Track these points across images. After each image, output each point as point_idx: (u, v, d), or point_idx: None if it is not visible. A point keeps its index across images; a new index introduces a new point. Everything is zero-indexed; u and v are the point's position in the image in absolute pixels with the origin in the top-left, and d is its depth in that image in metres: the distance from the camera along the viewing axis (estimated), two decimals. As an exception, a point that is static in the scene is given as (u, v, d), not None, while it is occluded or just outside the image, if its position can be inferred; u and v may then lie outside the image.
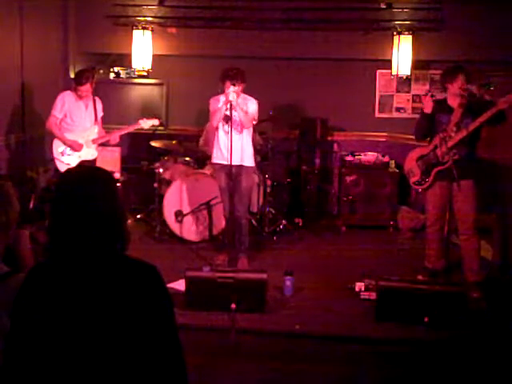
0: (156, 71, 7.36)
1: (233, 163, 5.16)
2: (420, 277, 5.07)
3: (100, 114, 5.92)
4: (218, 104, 5.25)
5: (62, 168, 5.71)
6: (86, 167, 1.88)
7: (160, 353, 1.66)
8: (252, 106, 5.32)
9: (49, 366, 1.62)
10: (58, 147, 5.71)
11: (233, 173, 5.23)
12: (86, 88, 5.64)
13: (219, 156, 5.34)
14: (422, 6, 7.14)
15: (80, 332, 1.62)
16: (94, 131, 5.86)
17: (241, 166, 5.29)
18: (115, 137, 5.92)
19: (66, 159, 5.71)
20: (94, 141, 5.84)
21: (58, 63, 7.10)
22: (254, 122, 5.40)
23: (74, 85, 5.71)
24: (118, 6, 7.14)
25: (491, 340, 3.96)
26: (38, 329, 1.63)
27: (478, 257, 4.88)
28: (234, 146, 5.13)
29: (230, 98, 5.05)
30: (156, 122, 6.04)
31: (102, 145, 6.04)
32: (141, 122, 5.95)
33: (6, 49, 5.90)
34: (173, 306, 1.74)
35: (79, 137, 5.76)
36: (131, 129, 6.00)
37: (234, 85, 5.06)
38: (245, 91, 5.35)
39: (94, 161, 5.88)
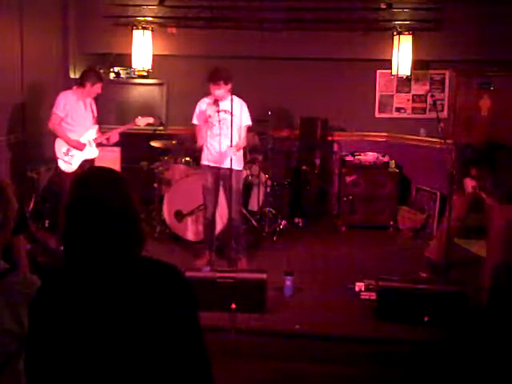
0: (156, 71, 7.36)
1: (222, 166, 5.26)
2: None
3: (95, 113, 5.95)
4: (203, 106, 5.31)
5: (66, 168, 5.72)
6: (99, 169, 1.87)
7: (185, 355, 1.64)
8: (246, 110, 5.36)
9: (71, 371, 1.60)
10: (61, 147, 5.72)
11: (221, 175, 5.29)
12: (101, 86, 5.76)
13: (208, 157, 5.38)
14: (421, 6, 7.14)
15: (103, 336, 1.60)
16: (94, 130, 5.89)
17: (231, 170, 5.26)
18: (114, 135, 5.98)
19: (70, 159, 5.73)
20: (95, 140, 5.88)
21: (58, 63, 7.10)
22: (250, 124, 5.42)
23: (94, 83, 5.70)
24: (118, 6, 7.14)
25: (491, 340, 3.95)
26: (60, 334, 1.61)
27: None
28: (225, 149, 5.24)
29: (209, 113, 5.18)
30: (151, 119, 6.14)
31: (101, 145, 6.06)
32: (137, 120, 6.05)
33: (6, 49, 5.90)
34: (197, 307, 1.71)
35: (80, 136, 5.77)
36: (129, 127, 6.07)
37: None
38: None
39: (94, 160, 5.90)
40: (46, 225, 6.05)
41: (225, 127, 5.22)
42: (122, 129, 6.03)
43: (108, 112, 7.09)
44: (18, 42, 6.04)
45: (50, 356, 1.63)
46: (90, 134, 5.85)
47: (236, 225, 5.39)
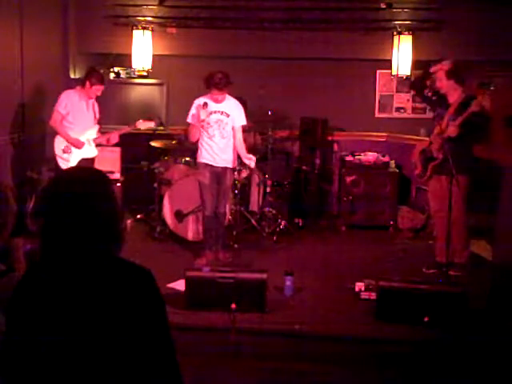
0: (156, 71, 7.36)
1: (219, 165, 5.41)
2: (424, 269, 5.32)
3: (97, 114, 5.96)
4: (199, 108, 5.31)
5: (64, 165, 5.74)
6: (80, 168, 1.88)
7: (153, 355, 1.66)
8: (242, 110, 5.47)
9: (43, 367, 1.62)
10: (60, 144, 5.74)
11: (217, 173, 5.43)
12: (101, 89, 5.76)
13: (205, 156, 5.45)
14: (421, 6, 7.15)
15: (73, 333, 1.62)
16: (95, 130, 5.91)
17: (226, 168, 5.46)
18: (114, 136, 5.98)
19: (68, 157, 5.75)
20: (94, 140, 5.90)
21: (58, 63, 7.10)
22: (245, 123, 5.54)
23: (93, 84, 5.71)
24: (118, 6, 7.15)
25: (491, 340, 3.96)
26: (33, 330, 1.63)
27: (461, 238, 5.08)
28: (220, 149, 5.38)
29: (203, 117, 5.24)
30: (152, 124, 6.16)
31: (100, 145, 6.06)
32: (138, 123, 6.04)
33: (6, 49, 5.90)
34: (165, 310, 1.73)
35: (80, 135, 5.79)
36: (129, 129, 6.07)
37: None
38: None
39: (93, 159, 5.91)
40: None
41: (221, 128, 5.37)
42: (122, 131, 6.04)
43: (108, 112, 7.09)
44: (18, 42, 6.04)
45: (23, 351, 1.64)
46: (90, 133, 5.86)
47: (222, 219, 5.58)
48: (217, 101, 5.32)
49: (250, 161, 5.49)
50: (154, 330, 1.68)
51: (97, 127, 5.93)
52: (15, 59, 6.02)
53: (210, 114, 5.32)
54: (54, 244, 1.69)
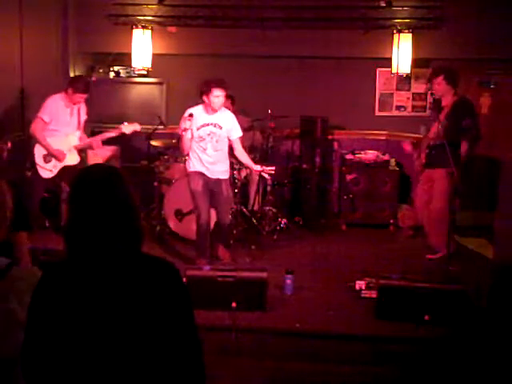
0: (156, 70, 7.36)
1: (212, 177, 5.29)
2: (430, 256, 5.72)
3: (83, 117, 5.86)
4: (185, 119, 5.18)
5: (44, 174, 5.66)
6: (101, 166, 1.91)
7: (179, 348, 1.69)
8: (236, 122, 5.34)
9: (69, 360, 1.64)
10: (41, 153, 5.63)
11: (211, 184, 5.29)
12: (87, 96, 5.62)
13: (198, 167, 5.29)
14: (421, 4, 7.13)
15: (99, 328, 1.63)
16: (76, 137, 5.80)
17: (219, 180, 5.33)
18: (97, 142, 5.83)
19: (49, 166, 5.64)
20: (76, 147, 5.78)
21: (57, 63, 7.10)
22: (241, 135, 5.42)
23: (76, 91, 5.59)
24: (118, 6, 7.14)
25: (491, 338, 3.96)
26: (57, 325, 1.65)
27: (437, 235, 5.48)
28: (212, 162, 5.26)
29: (186, 126, 5.09)
30: (137, 126, 5.86)
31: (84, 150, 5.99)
32: (122, 126, 5.79)
33: (6, 49, 5.90)
34: (191, 303, 1.76)
35: (61, 142, 5.67)
36: (113, 134, 5.85)
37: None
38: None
39: (76, 166, 5.74)
40: (47, 224, 6.06)
41: (214, 140, 5.24)
42: (105, 136, 5.87)
43: (108, 111, 7.09)
44: (18, 42, 6.04)
45: (47, 345, 1.66)
46: (71, 140, 5.75)
47: (229, 229, 5.58)
48: (213, 109, 5.17)
49: (266, 173, 5.46)
50: (179, 323, 1.71)
51: (78, 133, 5.80)
52: (15, 59, 6.02)
53: (203, 126, 5.19)
54: (79, 242, 1.72)
